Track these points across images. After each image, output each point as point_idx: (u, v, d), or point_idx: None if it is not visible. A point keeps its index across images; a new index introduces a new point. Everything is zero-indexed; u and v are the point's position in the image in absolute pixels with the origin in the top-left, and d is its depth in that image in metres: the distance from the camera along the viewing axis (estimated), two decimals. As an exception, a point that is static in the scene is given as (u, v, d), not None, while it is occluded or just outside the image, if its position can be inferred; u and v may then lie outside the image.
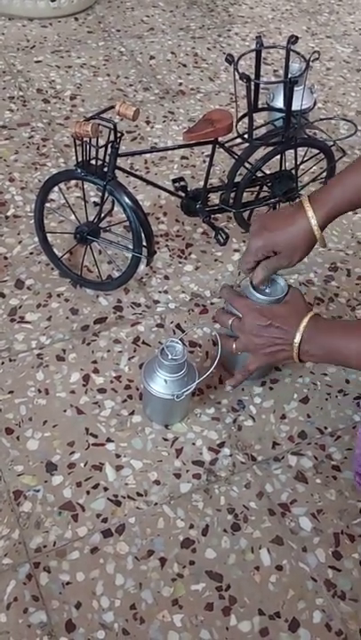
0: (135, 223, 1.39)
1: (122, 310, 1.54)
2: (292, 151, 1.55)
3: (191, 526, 1.18)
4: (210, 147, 1.45)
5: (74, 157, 1.37)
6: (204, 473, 1.26)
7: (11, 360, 1.41)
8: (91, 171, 1.37)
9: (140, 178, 1.49)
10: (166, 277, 1.63)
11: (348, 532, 1.20)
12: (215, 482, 1.25)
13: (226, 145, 1.47)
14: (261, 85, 1.43)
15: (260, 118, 1.66)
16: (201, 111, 2.19)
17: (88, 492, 1.21)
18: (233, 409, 1.37)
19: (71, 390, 1.37)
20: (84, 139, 1.29)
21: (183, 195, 1.56)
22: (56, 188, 1.56)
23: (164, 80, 2.35)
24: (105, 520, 1.18)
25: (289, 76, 1.38)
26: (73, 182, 1.85)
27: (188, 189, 1.57)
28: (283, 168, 1.57)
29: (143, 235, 1.42)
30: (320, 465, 1.30)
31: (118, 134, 1.31)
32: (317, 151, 1.62)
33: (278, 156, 1.55)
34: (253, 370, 1.26)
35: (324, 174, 1.69)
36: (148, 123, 2.13)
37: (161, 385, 1.23)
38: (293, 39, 1.36)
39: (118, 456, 1.27)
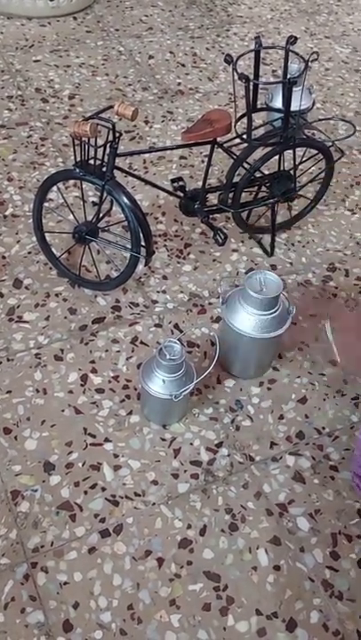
0: (134, 223, 1.39)
1: (120, 310, 1.54)
2: (291, 151, 1.55)
3: (189, 526, 1.18)
4: (208, 147, 1.45)
5: (72, 157, 1.37)
6: (202, 473, 1.26)
7: (9, 360, 1.41)
8: (89, 170, 1.37)
9: (139, 178, 1.49)
10: (165, 277, 1.63)
11: (345, 533, 1.21)
12: (213, 482, 1.25)
13: (225, 145, 1.47)
14: (260, 86, 1.44)
15: (258, 118, 1.66)
16: (200, 111, 2.19)
17: (86, 492, 1.21)
18: (231, 409, 1.37)
19: (69, 390, 1.37)
20: (83, 138, 1.29)
21: (182, 195, 1.56)
22: (55, 188, 1.56)
23: (163, 80, 2.34)
24: (103, 520, 1.18)
25: (288, 76, 1.38)
26: (71, 182, 1.85)
27: (187, 189, 1.57)
28: (281, 168, 1.57)
29: (142, 234, 1.42)
30: (318, 465, 1.30)
31: (117, 134, 1.31)
32: (316, 151, 1.62)
33: (277, 157, 1.55)
34: None
35: (323, 174, 1.69)
36: (146, 122, 2.13)
37: (159, 385, 1.23)
38: (292, 39, 1.36)
39: (116, 456, 1.27)
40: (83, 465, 1.25)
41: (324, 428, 1.36)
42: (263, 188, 1.63)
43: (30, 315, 1.51)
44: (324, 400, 1.42)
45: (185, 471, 1.26)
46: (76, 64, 2.37)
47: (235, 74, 1.34)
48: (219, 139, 1.43)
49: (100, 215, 1.48)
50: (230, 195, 1.56)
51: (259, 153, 1.55)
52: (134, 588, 1.10)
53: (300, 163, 1.60)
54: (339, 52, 2.66)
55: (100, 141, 1.33)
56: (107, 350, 1.45)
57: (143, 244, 1.44)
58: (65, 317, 1.51)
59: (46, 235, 1.55)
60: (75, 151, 1.33)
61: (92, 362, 1.42)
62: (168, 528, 1.18)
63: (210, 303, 1.58)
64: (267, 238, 1.75)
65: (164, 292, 1.60)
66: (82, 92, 2.23)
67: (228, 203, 1.57)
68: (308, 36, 2.75)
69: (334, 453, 1.32)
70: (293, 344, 1.51)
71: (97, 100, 2.20)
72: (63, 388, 1.37)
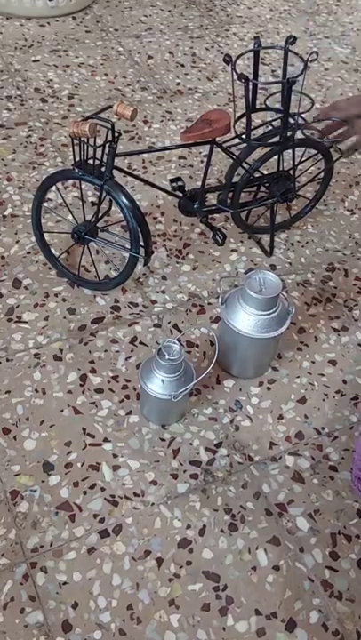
0: (133, 223, 1.39)
1: (119, 310, 1.54)
2: (290, 151, 1.55)
3: (188, 526, 1.18)
4: (208, 147, 1.45)
5: (71, 157, 1.37)
6: (202, 473, 1.27)
7: (8, 360, 1.41)
8: (88, 170, 1.37)
9: (138, 178, 1.49)
10: (164, 277, 1.63)
11: (345, 533, 1.21)
12: (212, 482, 1.25)
13: (224, 145, 1.47)
14: (259, 86, 1.43)
15: (257, 118, 1.66)
16: (199, 111, 2.19)
17: (85, 492, 1.21)
18: (230, 409, 1.37)
19: (68, 390, 1.37)
20: (82, 138, 1.29)
21: (181, 195, 1.56)
22: (54, 188, 1.56)
23: (162, 80, 2.35)
24: (102, 520, 1.18)
25: (287, 76, 1.38)
26: (70, 182, 1.85)
27: (186, 189, 1.57)
28: (280, 168, 1.57)
29: (141, 235, 1.42)
30: (317, 465, 1.30)
31: (116, 134, 1.31)
32: (315, 152, 1.62)
33: (276, 157, 1.55)
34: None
35: (322, 175, 1.70)
36: (145, 122, 2.13)
37: (158, 385, 1.23)
38: (292, 39, 1.36)
39: (115, 456, 1.27)
40: (82, 465, 1.25)
41: (323, 428, 1.36)
42: (262, 188, 1.62)
43: (29, 315, 1.50)
44: (324, 400, 1.42)
45: (184, 471, 1.26)
46: (76, 64, 2.37)
47: (234, 74, 1.34)
48: (218, 139, 1.43)
49: (100, 215, 1.48)
50: (229, 195, 1.57)
51: (258, 153, 1.55)
52: (134, 588, 1.10)
53: (300, 163, 1.60)
54: (338, 52, 2.66)
55: (99, 141, 1.33)
56: (106, 350, 1.45)
57: (142, 244, 1.44)
58: (64, 317, 1.51)
59: (45, 235, 1.55)
60: (74, 151, 1.33)
61: (92, 362, 1.42)
62: (167, 528, 1.18)
63: (209, 303, 1.58)
64: (266, 238, 1.75)
65: (163, 292, 1.60)
66: (81, 91, 2.23)
67: (228, 203, 1.57)
68: (307, 35, 2.75)
69: (334, 453, 1.32)
70: (293, 344, 1.51)
71: (96, 100, 2.20)
72: (62, 388, 1.37)
